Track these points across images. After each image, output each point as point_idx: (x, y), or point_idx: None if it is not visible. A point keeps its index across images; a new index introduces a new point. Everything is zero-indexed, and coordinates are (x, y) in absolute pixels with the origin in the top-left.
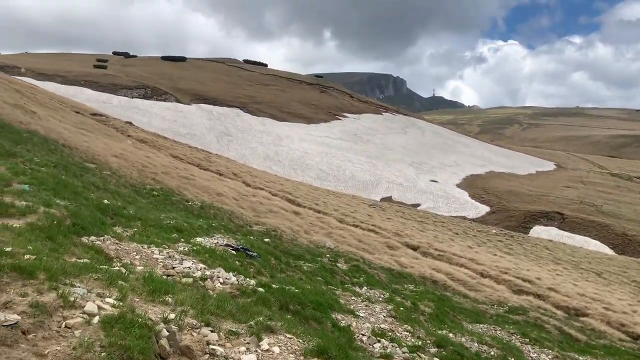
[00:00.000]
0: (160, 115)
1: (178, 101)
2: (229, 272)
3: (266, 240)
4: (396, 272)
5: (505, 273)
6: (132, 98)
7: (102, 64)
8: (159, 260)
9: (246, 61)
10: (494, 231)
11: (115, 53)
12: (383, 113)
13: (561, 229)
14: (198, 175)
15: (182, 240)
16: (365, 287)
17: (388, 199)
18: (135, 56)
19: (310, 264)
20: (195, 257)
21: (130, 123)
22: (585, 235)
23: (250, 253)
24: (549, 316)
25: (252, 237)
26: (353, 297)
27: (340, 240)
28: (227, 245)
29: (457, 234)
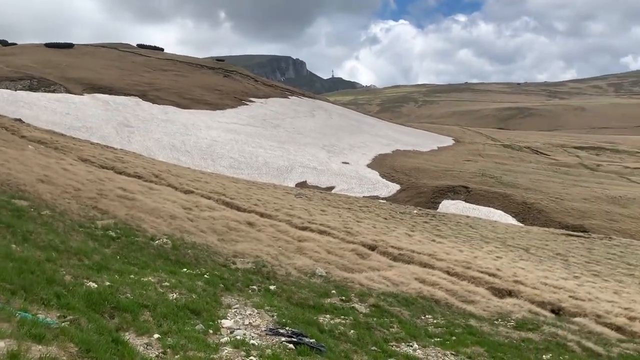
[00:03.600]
0: (50, 109)
1: (69, 92)
2: None
3: (271, 288)
4: (401, 298)
5: (468, 268)
6: (16, 90)
7: None
8: None
9: (140, 46)
10: (415, 211)
11: None
12: (289, 97)
13: (467, 202)
14: (132, 188)
15: (211, 330)
16: (416, 345)
17: (303, 184)
18: (15, 44)
19: (338, 319)
20: None
21: (20, 120)
22: (489, 207)
23: (311, 343)
24: (557, 326)
25: (254, 286)
26: None
27: (317, 258)
28: (273, 332)
29: (386, 219)
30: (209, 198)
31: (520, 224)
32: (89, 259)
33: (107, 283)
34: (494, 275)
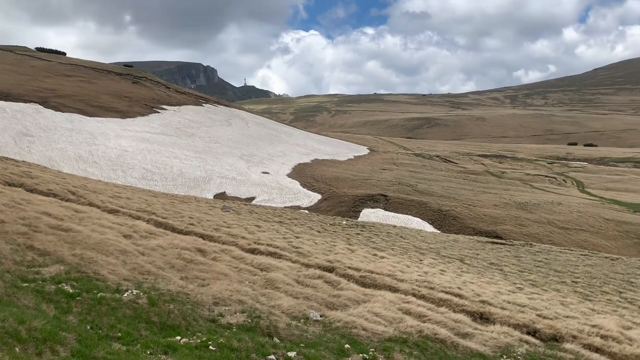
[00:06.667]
0: None
1: None
2: None
3: (291, 356)
4: (411, 343)
5: (432, 289)
6: None
7: None
8: None
9: (39, 49)
10: (344, 222)
11: None
12: (204, 104)
13: (387, 210)
14: (57, 213)
15: None
16: None
17: (222, 195)
18: None
19: None
20: None
21: None
22: (407, 214)
23: None
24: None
25: (271, 356)
26: None
27: (294, 293)
28: None
29: (320, 232)
30: (139, 218)
31: (438, 231)
32: (63, 345)
33: None
34: (459, 295)
